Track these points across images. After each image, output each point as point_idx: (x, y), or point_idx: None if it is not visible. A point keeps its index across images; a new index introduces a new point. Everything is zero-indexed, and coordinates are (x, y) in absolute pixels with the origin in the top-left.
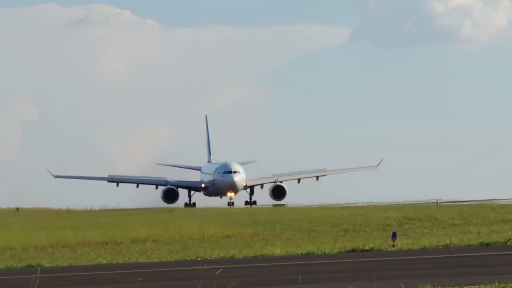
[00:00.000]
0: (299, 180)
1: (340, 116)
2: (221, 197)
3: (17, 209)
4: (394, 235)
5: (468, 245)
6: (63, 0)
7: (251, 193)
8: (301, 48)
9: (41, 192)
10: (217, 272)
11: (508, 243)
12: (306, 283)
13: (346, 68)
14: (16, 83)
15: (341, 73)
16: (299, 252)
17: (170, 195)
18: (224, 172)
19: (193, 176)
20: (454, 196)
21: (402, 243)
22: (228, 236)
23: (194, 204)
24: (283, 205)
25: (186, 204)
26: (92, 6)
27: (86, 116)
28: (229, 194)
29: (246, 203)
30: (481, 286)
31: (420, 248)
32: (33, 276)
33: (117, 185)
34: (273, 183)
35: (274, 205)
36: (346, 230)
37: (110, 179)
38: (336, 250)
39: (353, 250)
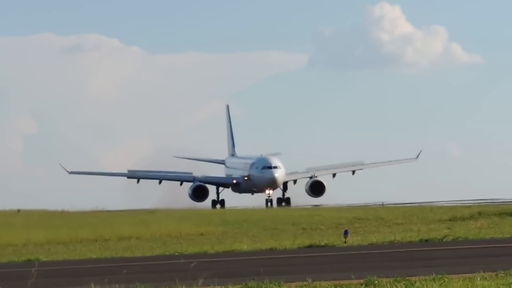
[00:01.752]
0: (334, 175)
1: (298, 131)
2: (252, 194)
3: (19, 210)
4: (345, 232)
5: (409, 241)
6: (60, 29)
7: (284, 189)
8: (265, 71)
9: (42, 195)
10: (192, 265)
11: (444, 240)
12: (268, 275)
13: (304, 88)
14: (19, 100)
15: (300, 93)
16: (263, 248)
17: (199, 193)
18: (264, 168)
19: (213, 171)
20: (398, 199)
21: (352, 240)
22: (202, 234)
23: (222, 202)
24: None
25: (213, 202)
26: (84, 35)
27: (79, 128)
28: (267, 191)
29: (280, 200)
30: (421, 276)
31: (368, 244)
32: (32, 269)
33: (138, 181)
34: (309, 178)
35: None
36: (304, 228)
37: (130, 175)
38: (295, 246)
39: (310, 246)
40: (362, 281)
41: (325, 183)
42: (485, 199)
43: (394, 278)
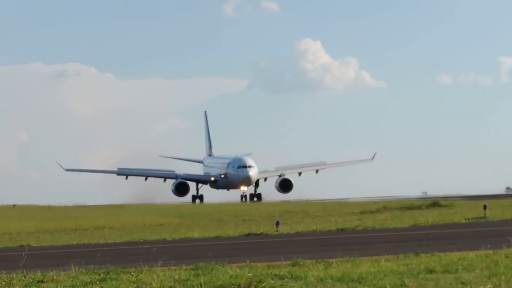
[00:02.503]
0: (300, 173)
1: (239, 144)
2: (228, 190)
3: (14, 205)
4: (277, 223)
5: (328, 230)
6: (47, 59)
7: (256, 186)
8: (212, 93)
9: (34, 193)
10: (153, 250)
11: (356, 229)
12: (215, 257)
13: (245, 107)
14: (14, 117)
15: (241, 112)
16: (211, 235)
17: (181, 188)
18: (239, 167)
19: (193, 169)
20: (320, 196)
21: (283, 229)
22: (161, 224)
23: (201, 197)
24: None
25: (193, 197)
26: (67, 64)
27: (63, 139)
28: (242, 188)
29: (252, 196)
30: (337, 258)
31: (295, 232)
32: (23, 253)
33: (126, 178)
34: (278, 177)
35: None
36: (244, 219)
37: (120, 172)
38: (237, 234)
39: (248, 234)
40: (290, 262)
41: (292, 181)
42: (390, 196)
43: (316, 260)
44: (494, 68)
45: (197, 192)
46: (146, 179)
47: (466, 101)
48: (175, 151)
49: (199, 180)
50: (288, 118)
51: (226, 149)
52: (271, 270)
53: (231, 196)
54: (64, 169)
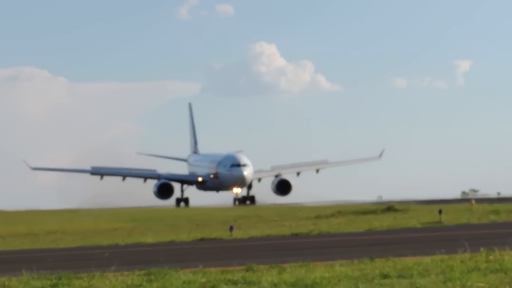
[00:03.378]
0: (299, 173)
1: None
2: (217, 192)
3: None
4: (231, 228)
5: (282, 235)
6: (0, 63)
7: (249, 187)
8: (166, 97)
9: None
10: (106, 255)
11: (310, 233)
12: (168, 262)
13: (198, 111)
14: None
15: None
16: (165, 240)
17: (165, 190)
18: (232, 165)
19: (176, 168)
20: (273, 200)
21: (236, 234)
22: (115, 229)
23: (187, 200)
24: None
25: (178, 200)
26: (21, 67)
27: (17, 141)
28: (235, 189)
29: (244, 199)
30: (291, 263)
31: (249, 237)
32: None
33: (101, 178)
34: (274, 177)
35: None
36: (198, 224)
37: (94, 172)
38: (190, 239)
39: (202, 239)
40: (243, 267)
41: (291, 182)
42: (344, 201)
43: (270, 265)
44: (449, 71)
45: (182, 195)
46: (124, 179)
47: (422, 104)
48: (129, 155)
49: (184, 181)
50: (243, 121)
51: (179, 153)
52: (224, 275)
53: (221, 198)
54: (30, 167)
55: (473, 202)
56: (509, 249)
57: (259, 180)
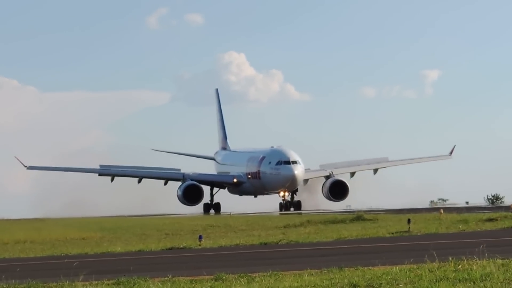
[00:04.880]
0: (353, 173)
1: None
2: (255, 196)
3: None
4: (200, 237)
5: (251, 244)
6: None
7: (294, 190)
8: (136, 106)
9: None
10: (74, 264)
11: (279, 243)
12: (137, 272)
13: (167, 120)
14: None
15: (164, 124)
16: (133, 250)
17: (192, 194)
18: (279, 163)
19: (202, 168)
20: (243, 209)
21: (206, 243)
22: (83, 238)
23: (218, 206)
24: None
25: (207, 206)
26: None
27: None
28: (282, 193)
29: (289, 205)
30: (260, 273)
31: (218, 246)
32: None
33: (112, 179)
34: (325, 178)
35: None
36: (167, 234)
37: (103, 172)
38: (159, 248)
39: (171, 248)
40: (212, 276)
41: (348, 184)
42: (313, 210)
43: (239, 274)
44: (418, 81)
45: (212, 199)
46: (139, 181)
47: (391, 114)
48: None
49: (215, 183)
50: (212, 131)
51: (149, 163)
52: (193, 285)
53: (260, 204)
54: (25, 166)
55: (442, 211)
56: (478, 259)
57: (306, 181)
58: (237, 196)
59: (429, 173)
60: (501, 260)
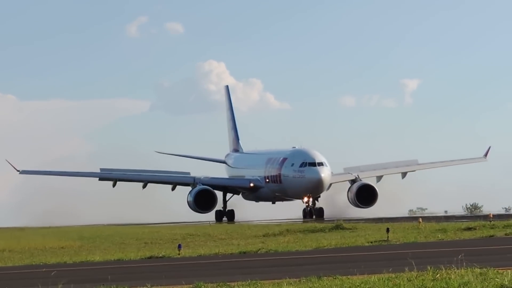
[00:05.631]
0: (380, 177)
1: (142, 162)
2: (273, 203)
3: None
4: (179, 246)
5: (231, 253)
6: None
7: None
8: (115, 115)
9: None
10: (52, 273)
11: (258, 252)
12: (115, 281)
13: (148, 129)
14: None
15: (144, 132)
16: (112, 259)
17: (205, 199)
18: (303, 165)
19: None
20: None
21: (185, 252)
22: (62, 247)
23: (231, 213)
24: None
25: (219, 214)
26: None
27: None
28: (306, 198)
29: (309, 212)
30: (239, 282)
31: (197, 255)
32: None
33: (114, 184)
34: (350, 182)
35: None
36: (146, 242)
37: (104, 176)
38: (138, 257)
39: (150, 257)
40: (191, 286)
41: (377, 189)
42: (292, 219)
43: (217, 284)
44: (398, 90)
45: (225, 206)
46: (144, 186)
47: (370, 123)
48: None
49: (228, 188)
50: (192, 140)
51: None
52: None
53: (280, 211)
54: (17, 170)
55: (420, 220)
56: (456, 268)
57: (329, 186)
58: (252, 202)
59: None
60: (479, 269)
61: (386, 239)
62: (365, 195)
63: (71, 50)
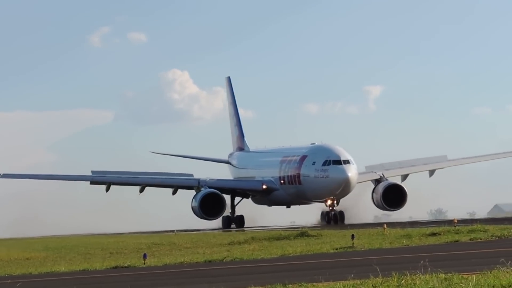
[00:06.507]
0: (406, 176)
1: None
2: (288, 207)
3: None
4: (144, 256)
5: (196, 262)
6: None
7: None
8: (79, 125)
9: None
10: (18, 285)
11: (224, 260)
12: None
13: (112, 138)
14: None
15: (109, 143)
16: (78, 269)
17: (212, 204)
18: (327, 163)
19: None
20: (188, 226)
21: (150, 262)
22: (27, 259)
23: (241, 219)
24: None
25: (227, 220)
26: None
27: None
28: (330, 201)
29: (327, 215)
30: None
31: (162, 264)
32: None
33: (107, 189)
34: (375, 182)
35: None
36: (111, 252)
37: (96, 179)
38: (104, 267)
39: (116, 267)
40: None
41: (406, 189)
42: (258, 226)
43: None
44: (361, 97)
45: (233, 211)
46: (142, 190)
47: (334, 130)
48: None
49: (237, 191)
50: (156, 149)
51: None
52: None
53: (297, 215)
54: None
55: (385, 226)
56: (420, 273)
57: None
58: (264, 207)
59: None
60: (443, 275)
61: (351, 245)
62: (392, 196)
63: (35, 61)
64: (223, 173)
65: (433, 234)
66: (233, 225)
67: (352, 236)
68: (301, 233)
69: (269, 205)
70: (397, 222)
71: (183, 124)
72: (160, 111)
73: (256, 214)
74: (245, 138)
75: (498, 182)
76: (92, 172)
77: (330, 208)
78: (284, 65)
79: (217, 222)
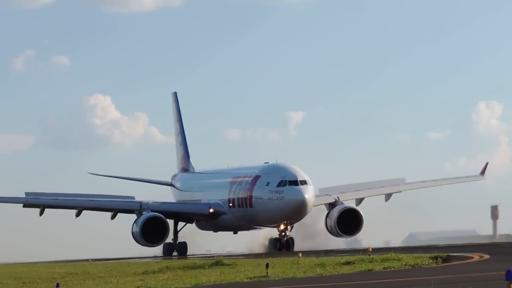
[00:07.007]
0: (361, 200)
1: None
2: (235, 233)
3: None
4: (57, 285)
5: None
6: None
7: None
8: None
9: None
10: None
11: None
12: None
13: (34, 163)
14: None
15: (28, 170)
16: None
17: (154, 230)
18: (282, 183)
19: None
20: (126, 254)
21: None
22: None
23: (184, 246)
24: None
25: (168, 247)
26: None
27: None
28: (283, 226)
29: (276, 242)
30: None
31: None
32: None
33: (41, 212)
34: (329, 206)
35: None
36: (24, 282)
37: (30, 201)
38: None
39: None
40: None
41: (362, 213)
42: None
43: None
44: (282, 122)
45: (175, 237)
46: (78, 213)
47: (255, 155)
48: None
49: (181, 215)
50: (76, 174)
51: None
52: None
53: (242, 242)
54: None
55: (300, 255)
56: None
57: None
58: (209, 232)
59: None
60: None
61: (265, 274)
62: (347, 221)
63: None
64: (166, 196)
65: (348, 263)
66: (175, 253)
67: (267, 265)
68: (216, 262)
69: (215, 230)
70: (312, 251)
71: (104, 149)
72: (82, 136)
73: (199, 241)
74: (191, 159)
75: (414, 210)
76: (26, 193)
77: (283, 234)
78: (204, 90)
79: (157, 249)
